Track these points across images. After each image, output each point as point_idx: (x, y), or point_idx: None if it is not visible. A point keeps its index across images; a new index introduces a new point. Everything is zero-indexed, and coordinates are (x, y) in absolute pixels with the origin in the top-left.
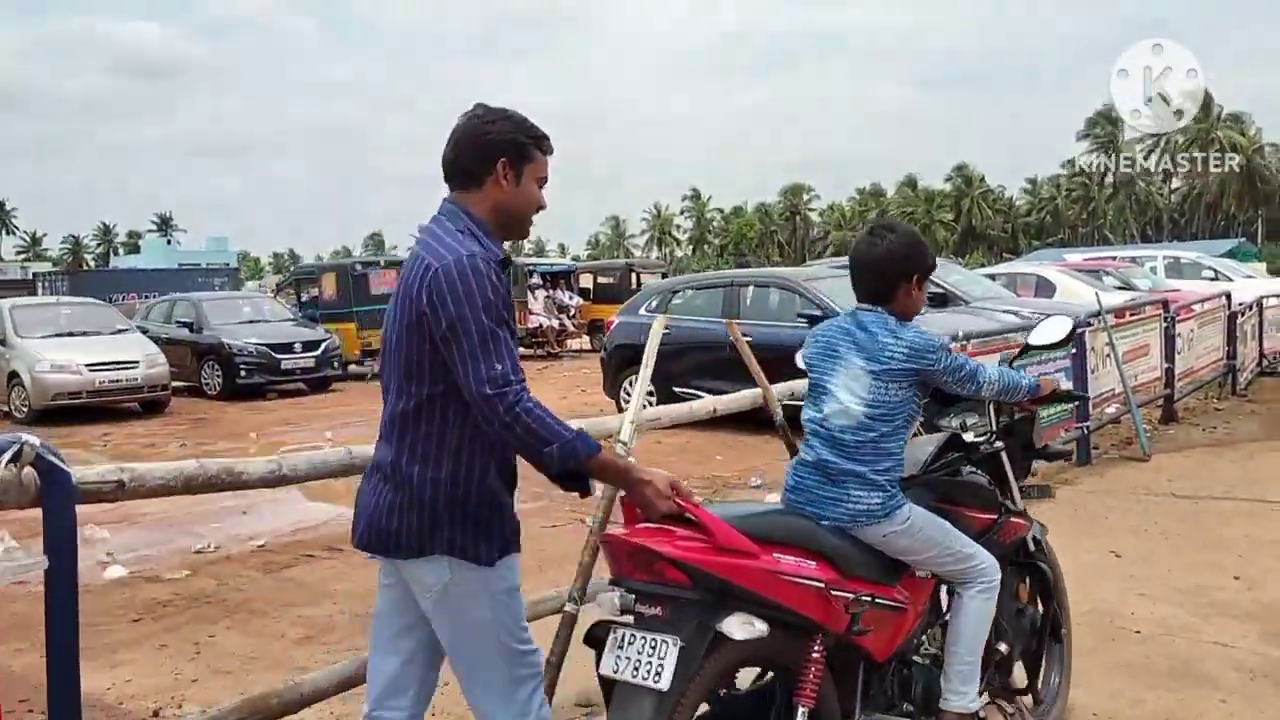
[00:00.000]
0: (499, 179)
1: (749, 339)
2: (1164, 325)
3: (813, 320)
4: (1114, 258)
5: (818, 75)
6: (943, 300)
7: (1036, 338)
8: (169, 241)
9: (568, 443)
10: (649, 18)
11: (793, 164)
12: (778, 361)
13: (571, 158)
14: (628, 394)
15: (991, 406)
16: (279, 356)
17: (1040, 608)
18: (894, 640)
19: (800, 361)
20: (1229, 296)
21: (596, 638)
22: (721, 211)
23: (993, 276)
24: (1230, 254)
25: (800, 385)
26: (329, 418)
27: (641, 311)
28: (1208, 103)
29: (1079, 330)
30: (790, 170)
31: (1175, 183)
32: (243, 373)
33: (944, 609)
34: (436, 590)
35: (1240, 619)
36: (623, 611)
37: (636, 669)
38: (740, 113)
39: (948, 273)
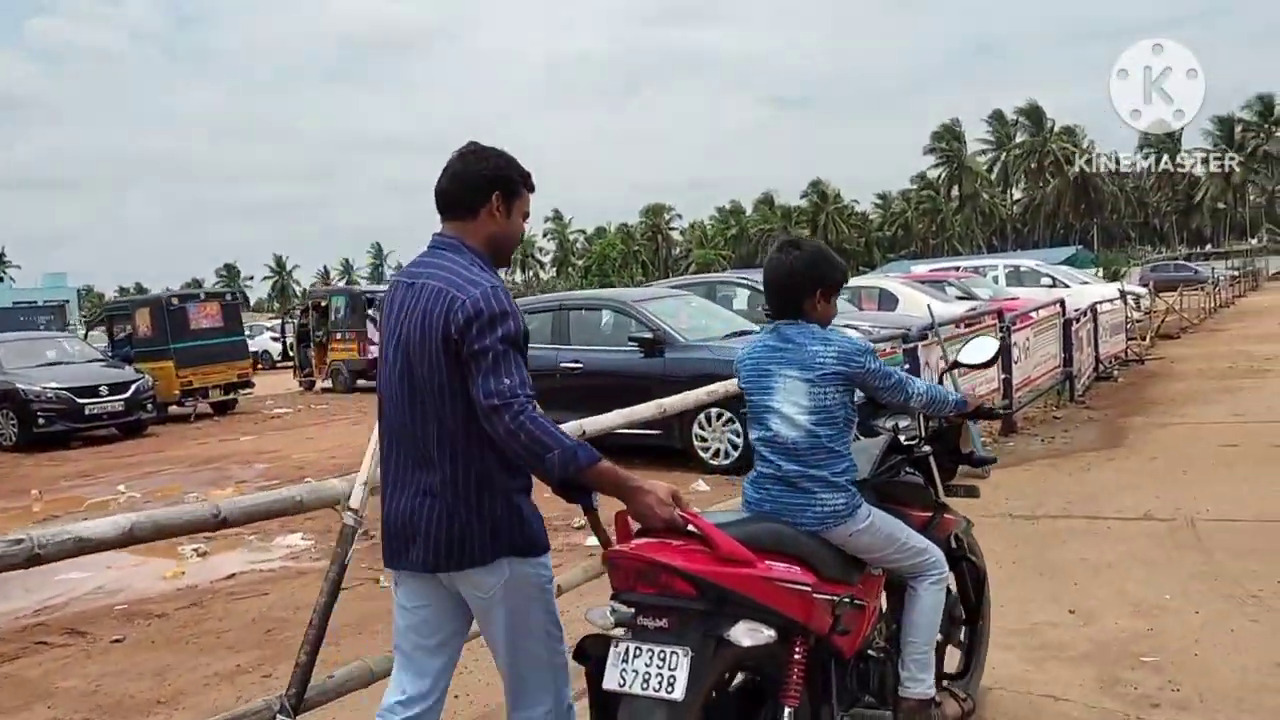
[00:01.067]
0: (492, 211)
1: (579, 365)
2: (1000, 335)
3: (644, 344)
4: (957, 268)
5: (675, 96)
6: None
7: (965, 357)
8: (1, 279)
9: (568, 449)
10: (505, 42)
11: (653, 184)
12: (610, 388)
13: (431, 181)
14: None
15: (921, 414)
16: (82, 401)
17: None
18: (858, 637)
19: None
20: (1063, 303)
21: (589, 653)
22: (584, 233)
23: None
24: (1069, 260)
25: (595, 422)
26: (135, 467)
27: None
28: (1040, 117)
29: (915, 345)
30: (651, 190)
31: (1016, 194)
32: (41, 420)
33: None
34: (496, 589)
35: (1075, 663)
36: (617, 625)
37: (647, 681)
38: (600, 134)
39: None
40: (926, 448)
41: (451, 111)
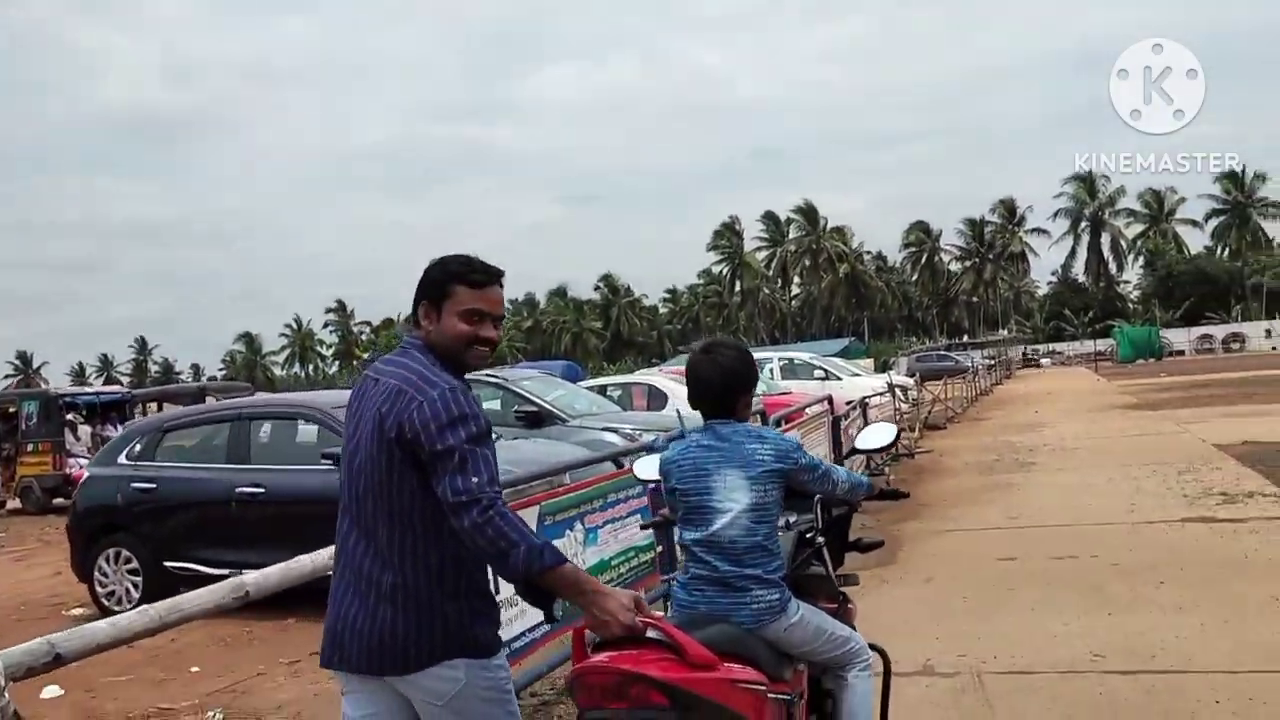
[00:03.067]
0: (425, 317)
1: (261, 491)
2: None
3: (339, 461)
4: None
5: (467, 191)
6: (538, 420)
7: (863, 442)
8: None
9: (534, 547)
10: (285, 134)
11: None
12: (303, 520)
13: (205, 272)
14: (104, 574)
15: (819, 505)
16: None
17: None
18: None
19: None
20: (831, 399)
21: None
22: (370, 324)
23: (604, 388)
24: (844, 352)
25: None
26: None
27: (121, 459)
28: (815, 216)
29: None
30: None
31: (794, 289)
32: None
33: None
34: (449, 695)
35: None
36: None
37: None
38: (387, 227)
39: (548, 388)
40: (821, 539)
41: (228, 202)
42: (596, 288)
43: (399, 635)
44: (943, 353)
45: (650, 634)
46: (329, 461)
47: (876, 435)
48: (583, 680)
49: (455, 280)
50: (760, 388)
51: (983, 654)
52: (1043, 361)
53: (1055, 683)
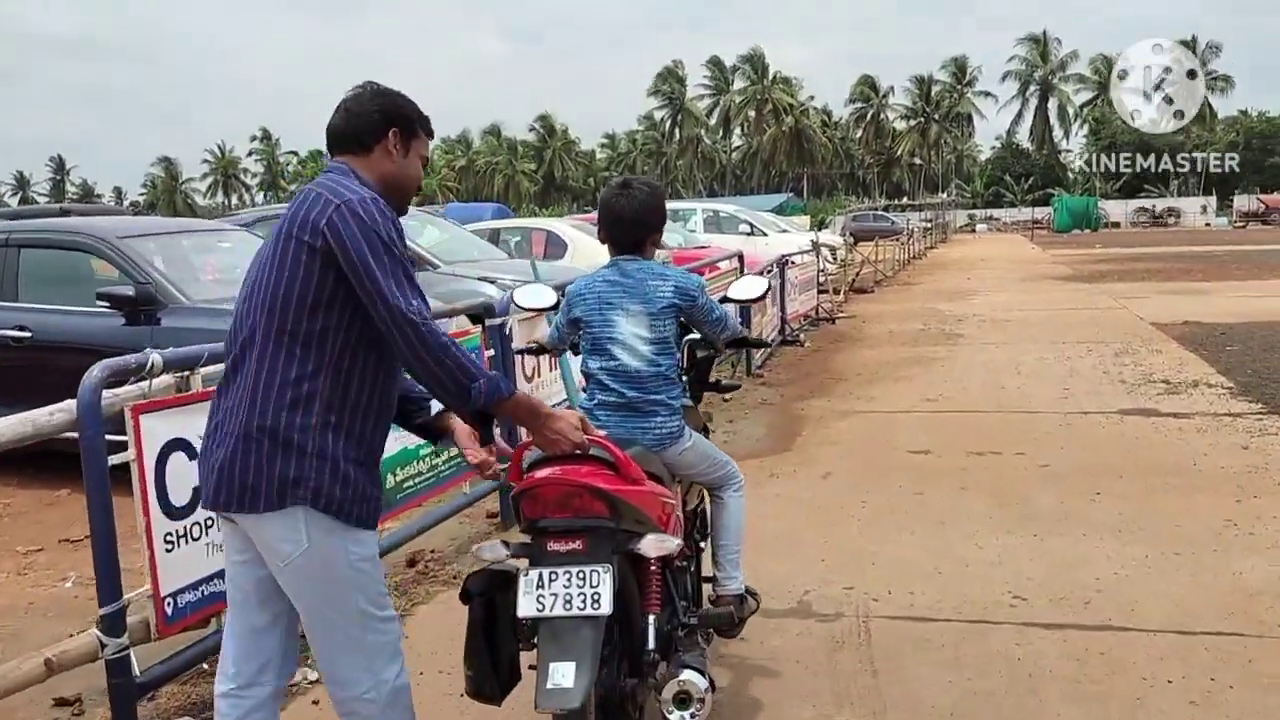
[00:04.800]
0: (389, 148)
1: (27, 334)
2: None
3: (122, 304)
4: None
5: (404, 18)
6: None
7: (736, 292)
8: None
9: (491, 380)
10: None
11: None
12: (74, 370)
13: (125, 91)
14: None
15: (685, 348)
16: None
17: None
18: None
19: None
20: (741, 258)
21: (472, 592)
22: (297, 155)
23: (497, 234)
24: (779, 208)
25: None
26: None
27: None
28: (763, 66)
29: (503, 321)
30: None
31: (735, 140)
32: None
33: None
34: (293, 553)
35: None
36: (513, 556)
37: (569, 602)
38: (319, 54)
39: (424, 231)
40: (684, 378)
41: (151, 16)
42: (532, 128)
43: (239, 463)
44: (880, 213)
45: (594, 452)
46: (105, 303)
47: (749, 287)
48: (534, 492)
49: (422, 124)
50: (678, 239)
51: (875, 587)
52: (978, 228)
53: (961, 637)
